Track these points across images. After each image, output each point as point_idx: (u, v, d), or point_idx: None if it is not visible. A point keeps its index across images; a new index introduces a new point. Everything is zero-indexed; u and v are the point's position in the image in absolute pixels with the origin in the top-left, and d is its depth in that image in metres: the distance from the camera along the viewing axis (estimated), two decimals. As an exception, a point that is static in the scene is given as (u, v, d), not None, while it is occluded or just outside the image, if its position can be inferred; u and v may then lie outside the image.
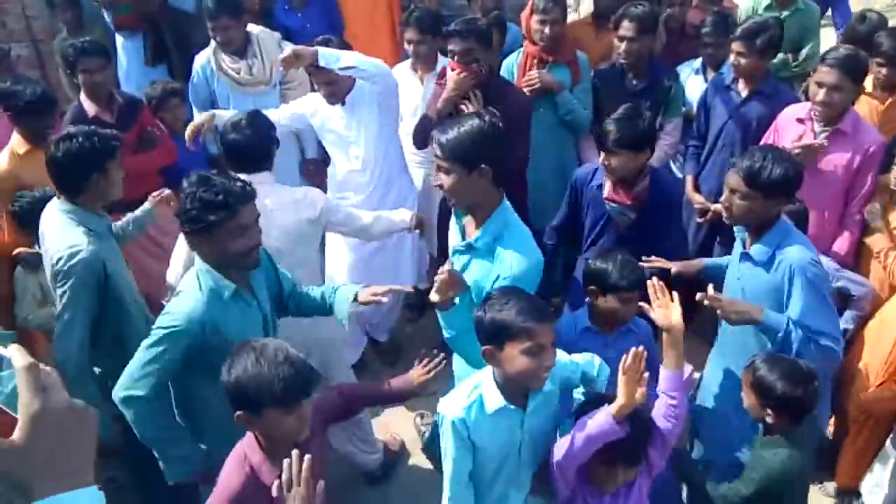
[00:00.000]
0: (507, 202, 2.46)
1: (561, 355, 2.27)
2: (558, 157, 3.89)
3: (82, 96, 3.73)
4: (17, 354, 0.88)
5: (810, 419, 2.44)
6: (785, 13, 4.41)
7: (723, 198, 2.62)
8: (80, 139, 2.64)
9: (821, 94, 3.15)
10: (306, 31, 4.49)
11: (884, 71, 3.62)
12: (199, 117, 3.57)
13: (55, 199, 2.77)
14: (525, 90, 3.68)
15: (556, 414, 2.30)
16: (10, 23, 5.43)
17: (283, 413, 1.90)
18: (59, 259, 2.59)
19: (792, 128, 3.37)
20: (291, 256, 2.86)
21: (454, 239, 2.58)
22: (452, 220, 2.62)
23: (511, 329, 2.03)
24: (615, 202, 3.05)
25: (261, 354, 1.90)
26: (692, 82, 4.20)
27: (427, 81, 3.91)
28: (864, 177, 3.26)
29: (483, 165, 2.32)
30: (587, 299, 2.75)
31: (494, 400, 2.15)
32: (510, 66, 3.93)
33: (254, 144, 2.89)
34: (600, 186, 3.10)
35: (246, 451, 2.01)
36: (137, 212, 3.19)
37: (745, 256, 2.63)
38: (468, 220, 2.51)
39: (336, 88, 3.39)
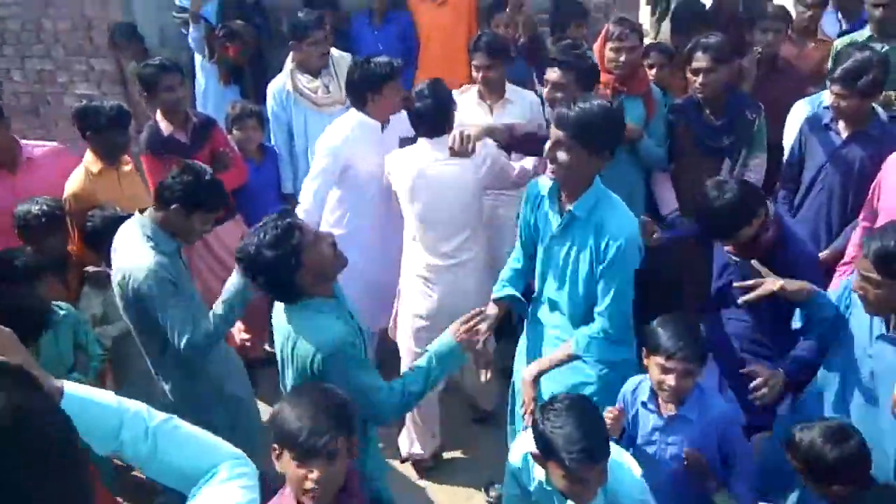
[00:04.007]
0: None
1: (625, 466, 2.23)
2: (629, 194, 3.65)
3: (158, 116, 3.76)
4: None
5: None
6: (887, 47, 4.08)
7: (854, 284, 2.35)
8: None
9: None
10: (380, 51, 4.47)
11: None
12: None
13: (134, 216, 2.79)
14: None
15: None
16: (96, 38, 5.58)
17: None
18: (128, 278, 2.63)
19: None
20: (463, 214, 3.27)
21: (554, 221, 2.61)
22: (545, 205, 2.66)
23: (557, 455, 2.01)
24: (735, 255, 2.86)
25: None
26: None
27: (496, 111, 3.79)
28: None
29: (605, 151, 2.44)
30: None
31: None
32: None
33: (435, 112, 3.23)
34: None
35: None
36: (230, 290, 2.76)
37: (887, 339, 2.35)
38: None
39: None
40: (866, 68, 3.22)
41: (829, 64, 3.79)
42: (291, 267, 2.17)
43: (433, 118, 3.24)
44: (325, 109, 3.97)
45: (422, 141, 3.31)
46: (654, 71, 3.95)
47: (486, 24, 4.40)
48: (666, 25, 4.93)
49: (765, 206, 2.80)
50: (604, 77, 3.62)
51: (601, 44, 3.64)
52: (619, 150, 3.48)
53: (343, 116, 3.55)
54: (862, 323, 2.45)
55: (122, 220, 2.90)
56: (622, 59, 3.52)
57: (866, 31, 4.08)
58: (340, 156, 3.43)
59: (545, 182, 2.67)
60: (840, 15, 4.68)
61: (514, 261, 2.93)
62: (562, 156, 2.42)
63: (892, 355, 2.33)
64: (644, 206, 3.65)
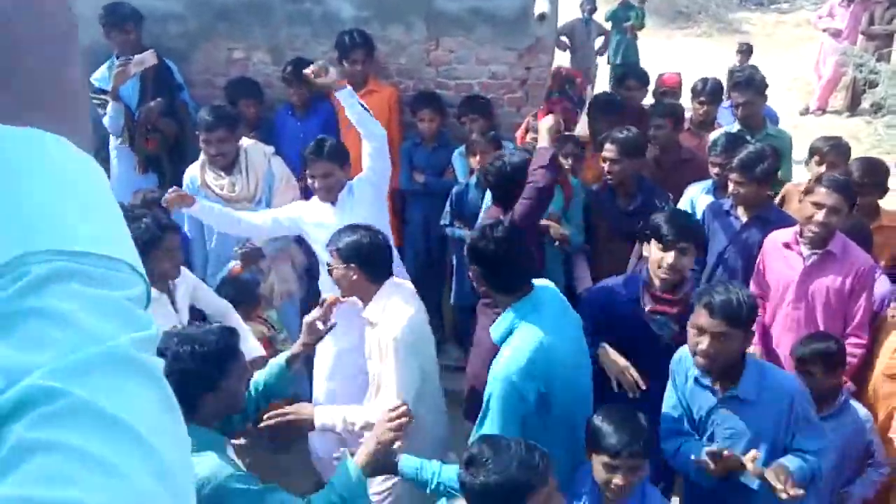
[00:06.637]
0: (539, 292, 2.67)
1: None
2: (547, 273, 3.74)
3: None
4: None
5: None
6: (756, 138, 4.26)
7: (690, 341, 2.56)
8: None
9: (820, 215, 3.10)
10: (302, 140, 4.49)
11: None
12: None
13: None
14: None
15: None
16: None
17: None
18: None
19: (778, 253, 3.31)
20: None
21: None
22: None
23: None
24: (658, 313, 2.92)
25: None
26: (703, 201, 3.99)
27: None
28: (856, 300, 3.15)
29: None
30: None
31: None
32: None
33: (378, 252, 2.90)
34: (637, 300, 2.95)
35: None
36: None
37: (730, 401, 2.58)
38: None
39: (331, 182, 3.44)
40: (761, 158, 3.46)
41: (708, 152, 4.07)
42: (206, 385, 2.01)
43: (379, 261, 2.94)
44: (232, 205, 3.81)
45: None
46: (569, 160, 4.12)
47: (413, 115, 4.52)
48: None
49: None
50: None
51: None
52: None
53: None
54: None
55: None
56: None
57: (736, 125, 4.41)
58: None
59: None
60: (734, 108, 5.02)
61: None
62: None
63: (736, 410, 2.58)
64: (562, 286, 3.69)
